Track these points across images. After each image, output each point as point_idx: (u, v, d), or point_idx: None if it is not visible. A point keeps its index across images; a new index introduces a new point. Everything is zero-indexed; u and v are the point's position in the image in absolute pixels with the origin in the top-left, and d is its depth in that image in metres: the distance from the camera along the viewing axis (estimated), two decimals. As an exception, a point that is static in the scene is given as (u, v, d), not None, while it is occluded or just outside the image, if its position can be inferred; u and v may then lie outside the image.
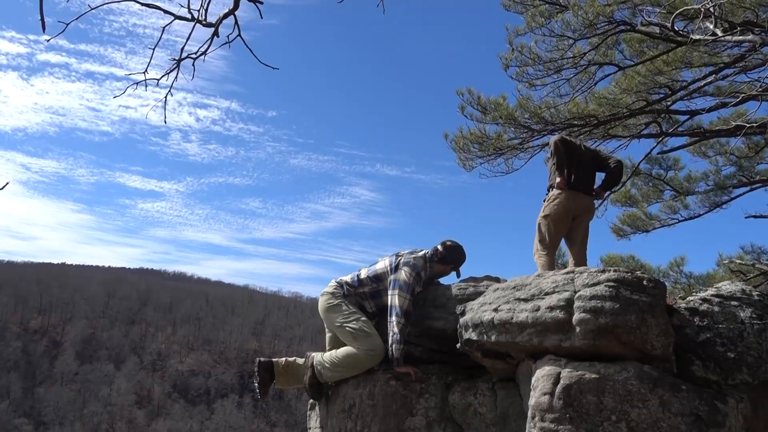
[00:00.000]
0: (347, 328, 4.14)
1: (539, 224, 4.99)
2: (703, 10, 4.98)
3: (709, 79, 7.75)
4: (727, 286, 3.49)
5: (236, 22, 3.07)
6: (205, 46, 3.18)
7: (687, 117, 8.48)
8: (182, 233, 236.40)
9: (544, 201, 5.04)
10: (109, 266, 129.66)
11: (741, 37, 6.03)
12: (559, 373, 2.90)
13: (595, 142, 8.59)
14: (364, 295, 4.32)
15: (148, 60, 3.08)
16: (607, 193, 5.49)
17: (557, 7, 7.84)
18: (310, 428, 4.58)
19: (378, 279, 4.29)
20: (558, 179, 4.88)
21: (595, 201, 5.42)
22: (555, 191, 4.94)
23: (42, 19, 2.31)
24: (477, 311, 3.46)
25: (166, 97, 3.21)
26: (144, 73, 3.10)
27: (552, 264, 4.82)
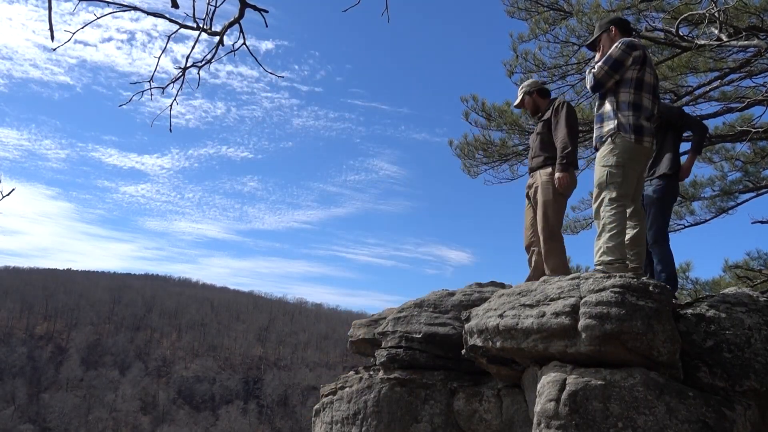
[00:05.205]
0: None
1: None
2: (708, 15, 4.98)
3: (714, 84, 7.72)
4: (733, 292, 3.48)
5: (241, 31, 3.09)
6: (210, 55, 3.20)
7: (692, 122, 8.44)
8: (174, 223, 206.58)
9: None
10: (114, 272, 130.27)
11: (746, 42, 6.02)
12: (565, 380, 2.89)
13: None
14: None
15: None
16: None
17: (561, 13, 7.85)
18: (315, 435, 4.57)
19: None
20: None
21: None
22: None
23: (51, 29, 2.34)
24: (482, 317, 3.46)
25: (171, 105, 3.23)
26: (149, 81, 3.11)
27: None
